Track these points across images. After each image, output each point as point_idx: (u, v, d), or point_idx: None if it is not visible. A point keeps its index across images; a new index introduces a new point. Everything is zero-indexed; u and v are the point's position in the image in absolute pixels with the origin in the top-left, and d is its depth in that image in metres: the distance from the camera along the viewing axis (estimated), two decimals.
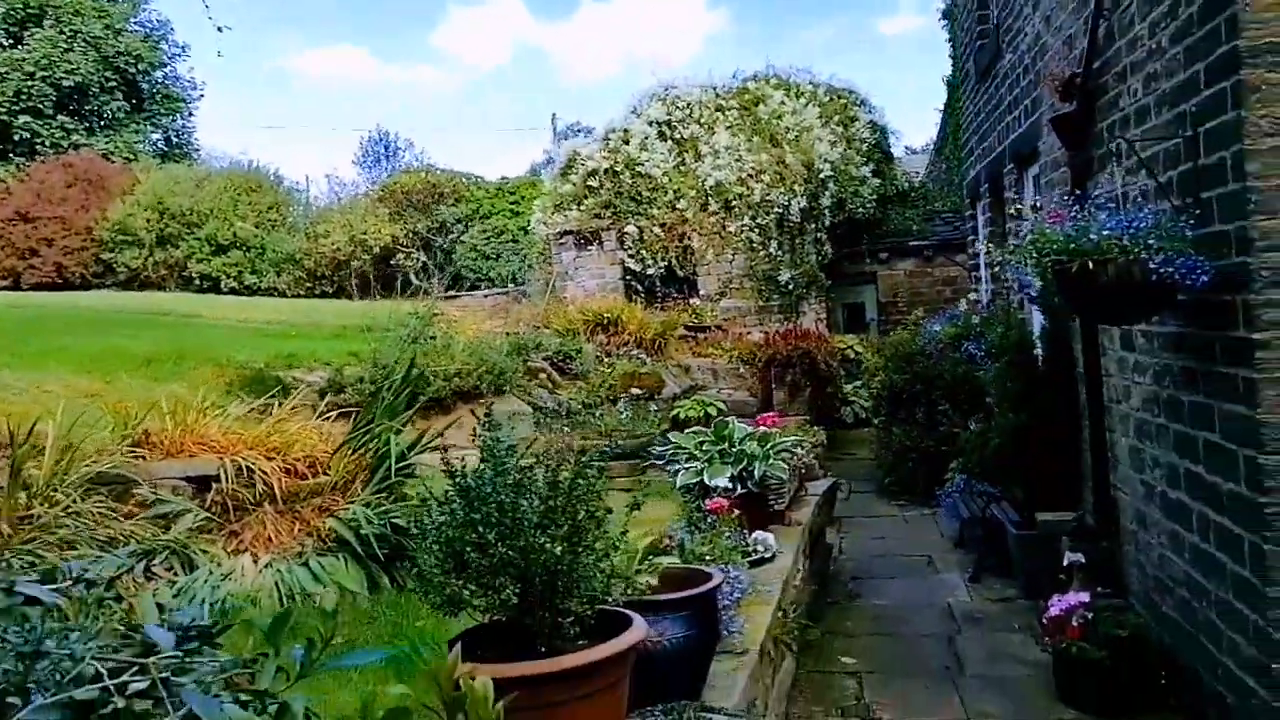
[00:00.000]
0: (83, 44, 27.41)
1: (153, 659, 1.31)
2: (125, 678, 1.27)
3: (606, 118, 16.94)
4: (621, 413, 9.23)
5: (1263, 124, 3.90)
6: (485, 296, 16.51)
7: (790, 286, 15.23)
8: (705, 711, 3.39)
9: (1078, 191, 5.90)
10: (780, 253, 15.17)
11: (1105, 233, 4.16)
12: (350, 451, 6.05)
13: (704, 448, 5.35)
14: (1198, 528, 4.78)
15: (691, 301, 15.43)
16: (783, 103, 15.62)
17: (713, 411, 10.50)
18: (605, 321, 11.80)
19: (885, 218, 16.36)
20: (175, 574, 4.70)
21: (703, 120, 15.88)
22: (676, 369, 12.01)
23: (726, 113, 15.88)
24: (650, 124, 15.92)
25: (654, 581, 3.50)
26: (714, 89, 16.33)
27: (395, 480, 5.78)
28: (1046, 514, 6.58)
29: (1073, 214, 4.45)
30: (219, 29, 8.96)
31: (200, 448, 5.63)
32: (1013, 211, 8.37)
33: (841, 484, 10.25)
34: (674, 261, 15.57)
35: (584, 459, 3.09)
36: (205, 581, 4.60)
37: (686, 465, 5.34)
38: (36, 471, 4.82)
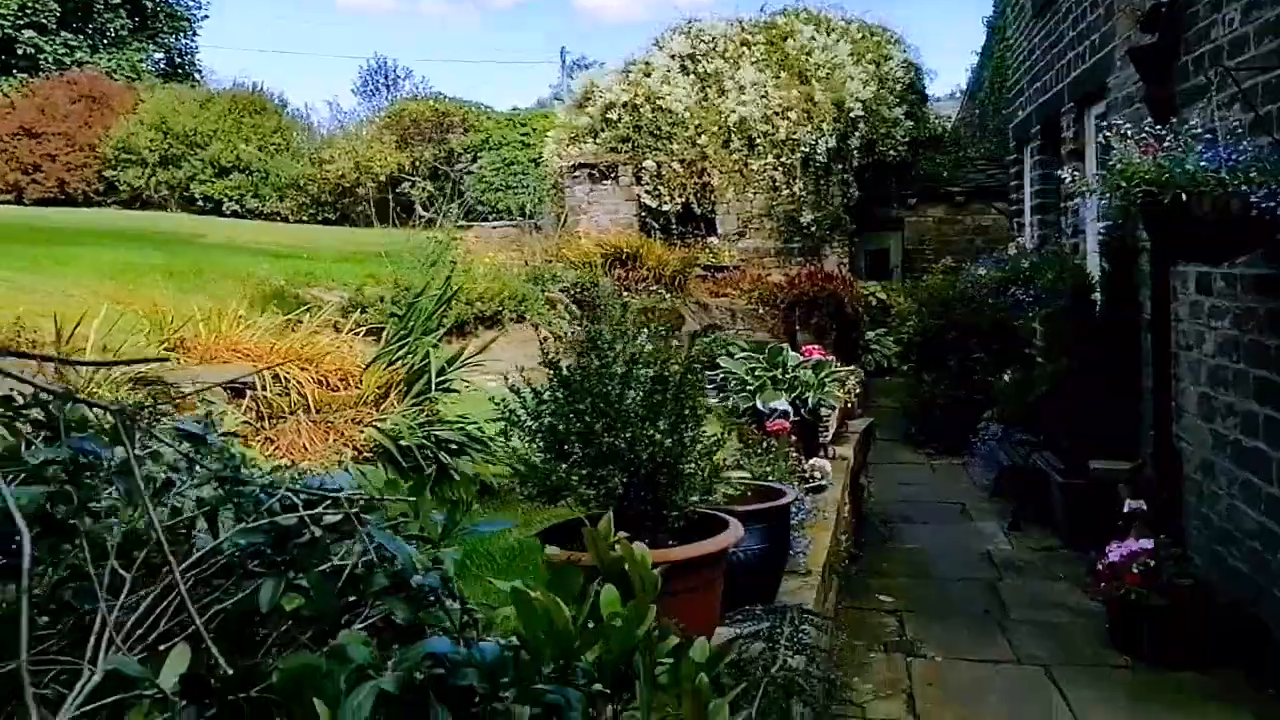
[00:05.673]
0: None
1: (344, 494, 1.26)
2: (320, 509, 1.23)
3: (624, 52, 16.36)
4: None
5: None
6: (494, 229, 16.07)
7: (813, 229, 14.78)
8: (806, 613, 3.26)
9: (1159, 127, 5.60)
10: (804, 193, 14.70)
11: (1203, 164, 3.91)
12: (383, 366, 5.85)
13: (756, 374, 5.14)
14: (1276, 476, 4.59)
15: (710, 240, 15.04)
16: (813, 38, 15.03)
17: (734, 350, 10.30)
18: (624, 256, 11.47)
19: (916, 162, 15.65)
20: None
21: (728, 55, 15.26)
22: (696, 306, 11.73)
23: (753, 47, 15.23)
24: (673, 57, 15.32)
25: (731, 492, 3.36)
26: (739, 22, 15.70)
27: (431, 396, 5.55)
28: (1100, 462, 6.37)
29: (1166, 144, 4.18)
30: None
31: (234, 355, 5.51)
32: (1070, 151, 8.06)
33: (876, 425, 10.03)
34: (692, 199, 15.10)
35: (688, 357, 2.98)
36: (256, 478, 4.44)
37: (738, 391, 5.13)
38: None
